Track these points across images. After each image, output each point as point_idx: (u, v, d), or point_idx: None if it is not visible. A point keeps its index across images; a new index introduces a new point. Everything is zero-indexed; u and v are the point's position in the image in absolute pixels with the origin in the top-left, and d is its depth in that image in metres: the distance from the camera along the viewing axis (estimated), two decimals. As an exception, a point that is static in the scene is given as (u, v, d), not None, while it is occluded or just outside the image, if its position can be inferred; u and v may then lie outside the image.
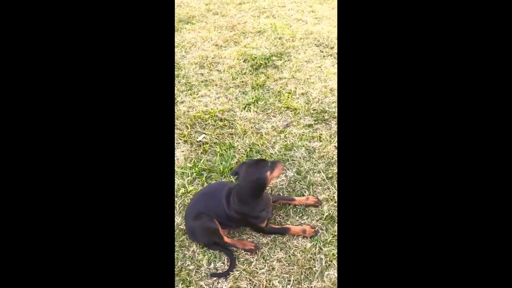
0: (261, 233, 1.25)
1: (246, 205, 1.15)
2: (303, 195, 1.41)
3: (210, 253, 1.23)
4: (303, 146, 1.65)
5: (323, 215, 1.33)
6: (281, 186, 1.46)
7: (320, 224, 1.30)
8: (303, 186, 1.45)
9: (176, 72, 2.27)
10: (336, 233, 1.25)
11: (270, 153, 1.62)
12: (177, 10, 3.27)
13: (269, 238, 1.26)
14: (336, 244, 1.22)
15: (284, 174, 1.51)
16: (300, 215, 1.34)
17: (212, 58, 2.42)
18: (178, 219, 1.34)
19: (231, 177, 1.38)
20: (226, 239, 1.21)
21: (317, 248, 1.22)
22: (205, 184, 1.47)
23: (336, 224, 1.28)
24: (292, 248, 1.22)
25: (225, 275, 1.15)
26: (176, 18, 3.08)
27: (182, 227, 1.31)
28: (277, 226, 1.27)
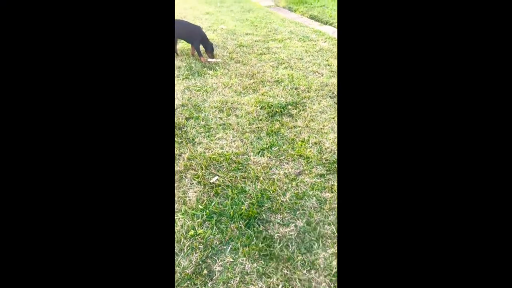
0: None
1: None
2: (312, 247, 1.39)
3: (213, 302, 1.20)
4: (315, 196, 1.66)
5: (332, 270, 1.29)
6: (290, 236, 1.45)
7: (328, 281, 1.26)
8: (313, 238, 1.44)
9: (196, 114, 2.40)
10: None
11: (281, 201, 1.63)
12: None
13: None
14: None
15: (294, 224, 1.50)
16: (308, 268, 1.31)
17: (231, 103, 2.56)
18: (185, 262, 1.34)
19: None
20: None
21: (325, 307, 1.17)
22: (214, 228, 1.48)
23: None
24: (298, 305, 1.18)
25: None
26: (200, 64, 3.33)
27: (188, 271, 1.30)
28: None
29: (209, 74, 3.10)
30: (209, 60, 3.34)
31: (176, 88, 2.81)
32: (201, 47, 3.37)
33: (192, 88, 2.81)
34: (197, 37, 3.31)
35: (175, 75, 3.08)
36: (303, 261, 1.33)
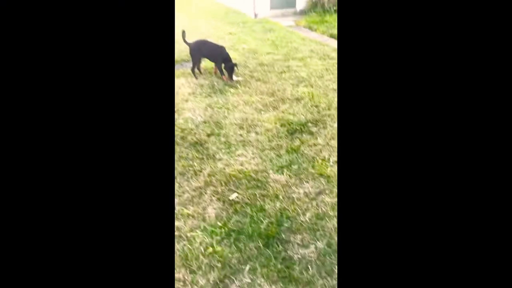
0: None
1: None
2: (333, 271, 1.33)
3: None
4: (336, 216, 1.61)
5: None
6: (310, 258, 1.40)
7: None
8: (334, 261, 1.38)
9: (217, 131, 2.44)
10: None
11: (301, 221, 1.60)
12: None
13: (294, 317, 1.18)
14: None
15: (314, 246, 1.46)
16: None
17: (252, 120, 2.59)
18: (202, 281, 1.32)
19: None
20: None
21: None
22: (233, 246, 1.47)
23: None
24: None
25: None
26: (222, 82, 3.42)
27: (205, 290, 1.28)
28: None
29: (230, 92, 3.17)
30: (230, 78, 3.43)
31: (198, 105, 2.89)
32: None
33: (213, 106, 2.88)
34: (219, 56, 3.43)
35: (198, 92, 3.18)
36: (324, 286, 1.28)
